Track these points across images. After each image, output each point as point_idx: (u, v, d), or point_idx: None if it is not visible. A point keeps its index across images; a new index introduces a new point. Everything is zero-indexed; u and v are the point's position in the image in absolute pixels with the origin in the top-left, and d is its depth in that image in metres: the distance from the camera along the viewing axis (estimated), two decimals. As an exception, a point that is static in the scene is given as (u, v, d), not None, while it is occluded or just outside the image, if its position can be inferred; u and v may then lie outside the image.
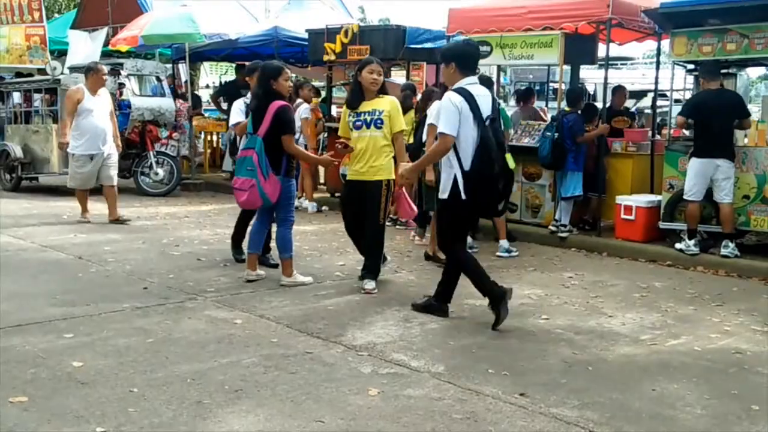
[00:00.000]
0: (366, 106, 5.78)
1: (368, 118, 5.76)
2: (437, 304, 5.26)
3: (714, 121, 7.10)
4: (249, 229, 6.30)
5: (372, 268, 5.88)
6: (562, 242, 7.99)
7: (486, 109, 4.95)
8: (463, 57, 5.04)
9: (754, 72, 18.83)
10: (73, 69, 12.43)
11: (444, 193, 5.03)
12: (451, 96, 4.92)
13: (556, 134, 7.86)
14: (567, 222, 8.11)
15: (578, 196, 8.03)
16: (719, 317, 5.44)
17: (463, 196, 4.89)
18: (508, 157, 5.15)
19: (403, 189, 6.18)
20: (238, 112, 6.80)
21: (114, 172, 8.68)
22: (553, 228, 8.13)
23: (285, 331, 4.79)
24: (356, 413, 3.54)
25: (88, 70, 8.52)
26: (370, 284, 5.83)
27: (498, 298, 4.97)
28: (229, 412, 3.50)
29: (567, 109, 8.21)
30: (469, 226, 5.59)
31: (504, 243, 7.48)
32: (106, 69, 8.96)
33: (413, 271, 6.67)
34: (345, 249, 7.19)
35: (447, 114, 4.87)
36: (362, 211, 5.85)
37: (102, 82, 8.58)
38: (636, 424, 3.53)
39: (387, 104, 5.79)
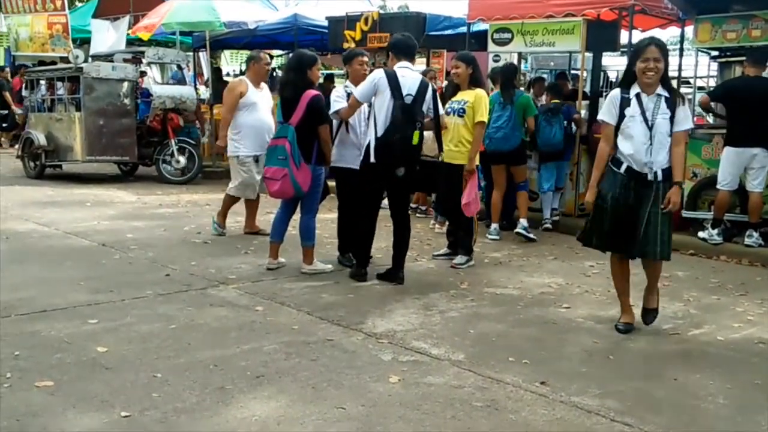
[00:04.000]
0: (458, 96, 6.41)
1: (455, 107, 6.34)
2: (356, 269, 5.82)
3: (751, 109, 6.94)
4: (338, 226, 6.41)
5: (464, 244, 6.43)
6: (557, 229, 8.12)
7: (409, 88, 5.54)
8: (396, 46, 5.82)
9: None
10: (96, 57, 12.53)
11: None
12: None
13: (566, 123, 7.81)
14: (549, 214, 8.25)
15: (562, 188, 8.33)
16: (742, 307, 5.40)
17: (372, 159, 5.55)
18: (416, 134, 5.56)
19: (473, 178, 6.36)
20: (340, 99, 6.15)
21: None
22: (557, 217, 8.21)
23: (306, 318, 4.82)
24: (377, 400, 3.56)
25: (250, 59, 7.37)
26: (461, 259, 6.37)
27: (353, 271, 5.84)
28: (251, 398, 3.54)
29: (554, 101, 8.26)
30: (381, 192, 5.90)
31: (524, 221, 7.63)
32: (269, 58, 7.90)
33: (433, 259, 6.67)
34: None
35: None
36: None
37: (266, 72, 7.51)
38: (658, 414, 3.51)
39: (472, 96, 6.25)
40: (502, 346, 4.40)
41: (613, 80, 14.77)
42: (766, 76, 7.35)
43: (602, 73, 12.08)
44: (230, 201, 7.40)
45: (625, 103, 4.51)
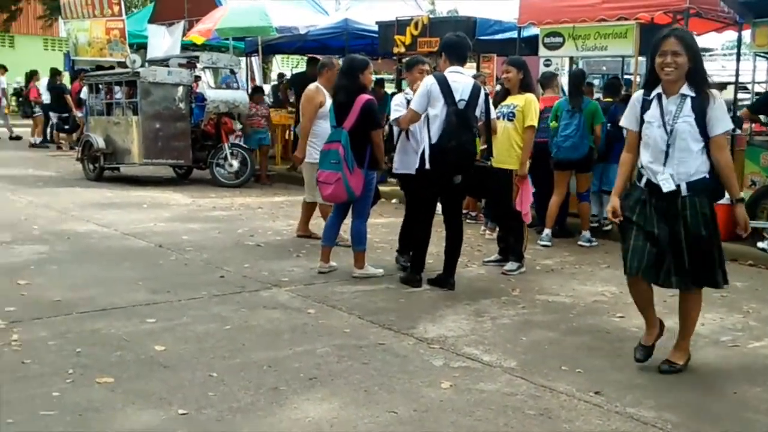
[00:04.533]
0: (508, 101, 6.39)
1: (505, 111, 6.34)
2: (411, 275, 5.79)
3: None
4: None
5: (515, 251, 6.41)
6: (610, 236, 7.93)
7: (461, 93, 5.50)
8: (448, 48, 5.73)
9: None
10: (152, 62, 12.81)
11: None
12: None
13: (609, 125, 7.71)
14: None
15: None
16: (803, 319, 5.26)
17: (427, 166, 5.55)
18: (472, 140, 5.61)
19: (525, 183, 6.39)
20: (399, 107, 6.11)
21: None
22: (595, 224, 8.06)
23: (357, 321, 4.86)
24: (429, 405, 3.57)
25: (323, 66, 7.15)
26: (512, 265, 6.36)
27: (407, 276, 5.82)
28: (304, 399, 3.59)
29: (607, 99, 8.12)
30: (436, 198, 5.85)
31: (586, 234, 7.66)
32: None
33: (484, 265, 6.65)
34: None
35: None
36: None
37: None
38: (715, 427, 3.45)
39: (522, 100, 6.27)
40: (554, 354, 4.37)
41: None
42: None
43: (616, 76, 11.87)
44: (310, 208, 7.34)
45: (645, 105, 4.02)
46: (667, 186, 3.91)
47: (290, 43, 13.34)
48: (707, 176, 3.93)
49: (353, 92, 5.77)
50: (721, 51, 19.96)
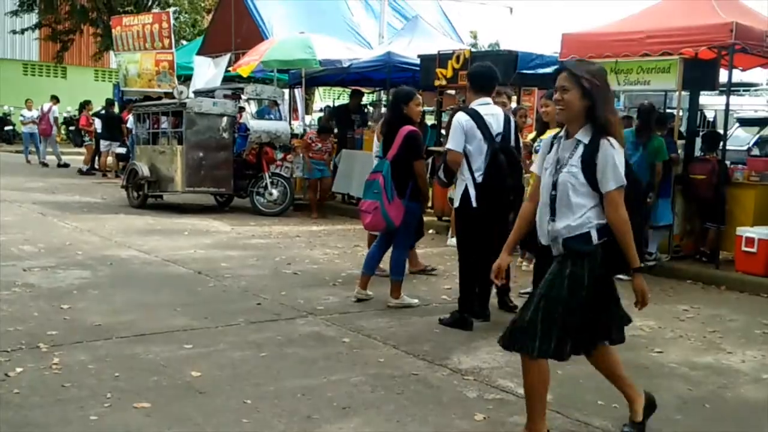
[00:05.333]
0: (546, 134, 6.07)
1: (538, 147, 6.15)
2: (461, 316, 5.50)
3: None
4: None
5: None
6: (651, 271, 7.70)
7: (496, 128, 5.41)
8: (474, 79, 5.60)
9: None
10: (199, 93, 13.11)
11: (456, 202, 5.58)
12: (458, 116, 5.49)
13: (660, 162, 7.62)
14: (654, 250, 7.94)
15: (669, 224, 7.85)
16: None
17: (474, 204, 5.39)
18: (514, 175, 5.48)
19: None
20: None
21: None
22: None
23: (391, 351, 4.86)
24: (461, 437, 3.55)
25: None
26: None
27: (465, 316, 5.49)
28: (337, 429, 3.59)
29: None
30: (482, 236, 5.50)
31: None
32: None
33: (519, 297, 6.59)
34: (451, 272, 7.21)
35: (453, 133, 5.46)
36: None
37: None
38: (756, 468, 3.36)
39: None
40: (590, 388, 4.31)
41: (711, 120, 14.34)
42: None
43: (699, 113, 11.75)
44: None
45: (550, 148, 3.48)
46: (553, 247, 3.42)
47: (333, 75, 13.52)
48: (580, 232, 3.31)
49: (394, 124, 5.84)
50: (766, 86, 19.67)
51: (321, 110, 17.59)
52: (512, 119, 5.66)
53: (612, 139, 3.26)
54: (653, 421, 3.83)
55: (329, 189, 12.10)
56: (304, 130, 12.95)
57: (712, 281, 7.51)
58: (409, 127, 5.83)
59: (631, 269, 3.34)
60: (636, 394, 3.69)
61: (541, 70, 10.20)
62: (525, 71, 10.12)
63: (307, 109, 16.78)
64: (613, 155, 3.24)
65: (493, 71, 5.65)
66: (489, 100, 5.55)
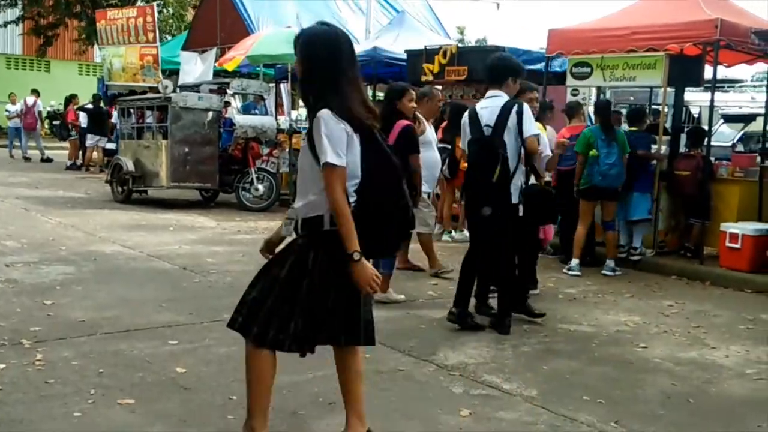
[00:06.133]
0: None
1: None
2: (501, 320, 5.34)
3: None
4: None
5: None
6: (635, 265, 7.93)
7: (487, 119, 5.21)
8: (486, 71, 5.47)
9: None
10: (184, 87, 13.04)
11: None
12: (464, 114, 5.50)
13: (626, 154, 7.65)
14: (639, 245, 8.01)
15: (646, 219, 7.88)
16: (833, 354, 5.15)
17: (514, 201, 5.24)
18: (496, 170, 5.06)
19: None
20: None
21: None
22: (623, 254, 7.96)
23: (377, 347, 4.81)
24: (447, 433, 3.55)
25: (423, 95, 6.88)
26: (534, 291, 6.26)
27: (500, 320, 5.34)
28: (324, 424, 3.59)
29: (632, 128, 8.10)
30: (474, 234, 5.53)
31: (611, 263, 7.59)
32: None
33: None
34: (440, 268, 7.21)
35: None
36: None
37: (438, 109, 7.28)
38: (739, 462, 3.39)
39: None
40: (576, 383, 4.32)
41: (696, 116, 14.43)
42: None
43: (684, 109, 11.82)
44: (427, 240, 7.04)
45: None
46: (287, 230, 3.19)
47: (319, 70, 13.46)
48: (316, 214, 3.02)
49: (388, 119, 5.82)
50: (751, 82, 19.82)
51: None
52: (516, 110, 5.12)
53: (323, 112, 2.92)
54: (637, 416, 3.85)
55: None
56: (291, 125, 12.87)
57: (696, 277, 7.55)
58: (405, 122, 5.86)
59: (348, 253, 2.90)
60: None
61: (528, 66, 10.20)
62: (512, 67, 10.09)
63: (294, 105, 16.70)
64: (320, 126, 2.92)
65: (504, 63, 5.42)
66: (499, 92, 5.25)
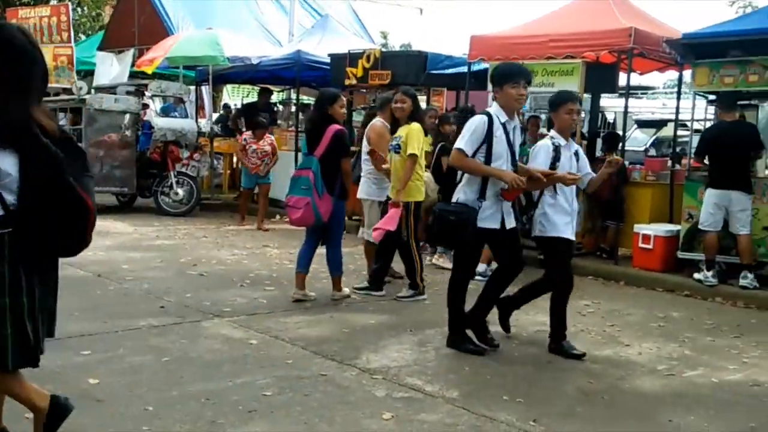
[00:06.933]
0: (397, 132, 6.38)
1: (393, 143, 6.40)
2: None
3: (728, 153, 7.11)
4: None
5: (410, 276, 6.46)
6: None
7: None
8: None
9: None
10: (99, 89, 12.63)
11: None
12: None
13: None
14: None
15: None
16: (737, 349, 5.38)
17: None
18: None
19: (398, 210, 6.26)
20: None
21: None
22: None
23: (300, 352, 4.79)
24: (369, 437, 3.53)
25: (386, 101, 6.73)
26: (407, 292, 6.42)
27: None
28: (242, 433, 3.51)
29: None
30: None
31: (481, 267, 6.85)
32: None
33: (429, 294, 6.64)
34: (360, 272, 7.21)
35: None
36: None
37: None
38: (652, 456, 3.48)
39: (405, 130, 6.28)
40: (496, 384, 4.37)
41: (611, 121, 14.90)
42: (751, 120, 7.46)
43: (600, 114, 12.19)
44: (373, 248, 6.79)
45: None
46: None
47: (241, 72, 13.26)
48: None
49: (319, 123, 6.02)
50: (662, 89, 20.61)
51: (224, 107, 17.25)
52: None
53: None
54: (555, 414, 3.92)
55: (266, 195, 10.62)
56: (212, 128, 12.63)
57: (611, 277, 7.78)
58: (337, 126, 6.00)
59: None
60: None
61: (450, 71, 10.33)
62: (434, 71, 10.21)
63: (215, 107, 16.41)
64: None
65: (500, 70, 4.96)
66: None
